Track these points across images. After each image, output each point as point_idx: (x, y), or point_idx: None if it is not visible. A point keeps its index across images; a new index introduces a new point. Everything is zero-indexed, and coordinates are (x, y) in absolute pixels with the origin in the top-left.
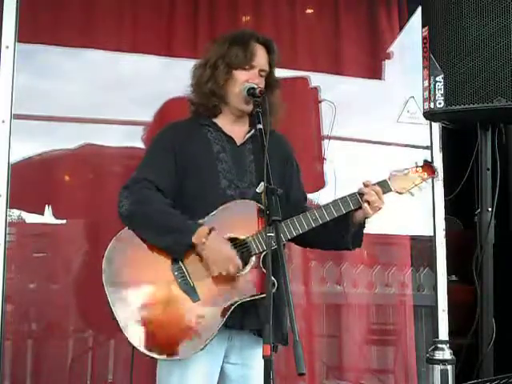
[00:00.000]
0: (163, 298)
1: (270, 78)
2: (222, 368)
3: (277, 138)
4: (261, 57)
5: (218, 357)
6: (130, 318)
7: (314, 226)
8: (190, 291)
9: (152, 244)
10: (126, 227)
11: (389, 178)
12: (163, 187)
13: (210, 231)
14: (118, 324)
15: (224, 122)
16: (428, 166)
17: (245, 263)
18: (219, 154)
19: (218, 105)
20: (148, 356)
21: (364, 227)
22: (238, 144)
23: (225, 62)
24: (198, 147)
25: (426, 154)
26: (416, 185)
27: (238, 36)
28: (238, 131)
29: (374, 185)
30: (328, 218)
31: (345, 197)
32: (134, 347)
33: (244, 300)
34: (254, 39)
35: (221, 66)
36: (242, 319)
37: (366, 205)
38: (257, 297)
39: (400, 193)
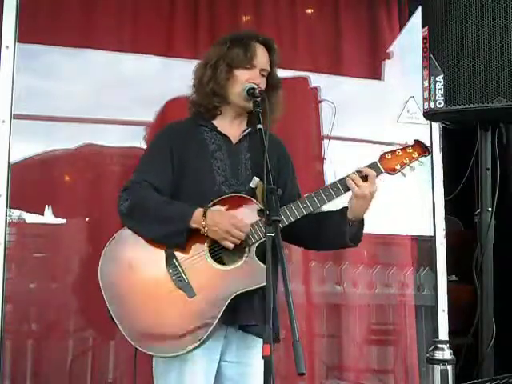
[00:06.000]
0: (160, 296)
1: (271, 78)
2: (218, 367)
3: (275, 140)
4: (261, 56)
5: (215, 354)
6: (129, 319)
7: (305, 213)
8: (186, 287)
9: (151, 238)
10: (115, 239)
11: (379, 160)
12: (161, 188)
13: (205, 212)
14: (117, 327)
15: (221, 122)
16: (419, 145)
17: (240, 254)
18: (214, 153)
19: (219, 106)
20: (149, 354)
21: (363, 224)
22: (234, 142)
23: (225, 61)
24: (194, 147)
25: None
26: (407, 164)
27: (238, 36)
28: (235, 131)
29: (364, 168)
30: (319, 205)
31: (334, 181)
32: (136, 348)
33: (240, 292)
34: (255, 39)
35: (221, 66)
36: (235, 313)
37: (356, 190)
38: (254, 287)
39: (391, 173)
